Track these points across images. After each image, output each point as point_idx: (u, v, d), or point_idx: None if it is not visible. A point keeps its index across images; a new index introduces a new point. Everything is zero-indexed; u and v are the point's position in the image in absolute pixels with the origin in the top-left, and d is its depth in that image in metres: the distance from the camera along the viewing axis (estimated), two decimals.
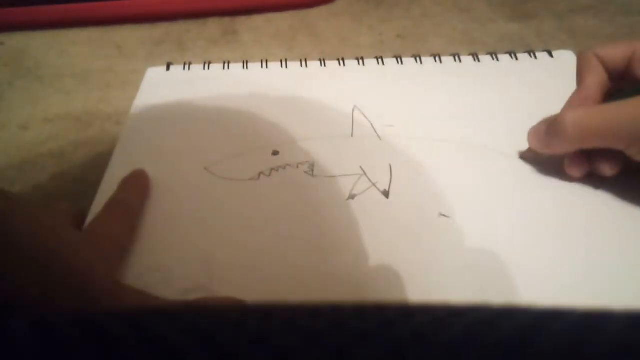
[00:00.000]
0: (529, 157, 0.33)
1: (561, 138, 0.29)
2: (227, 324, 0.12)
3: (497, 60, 0.42)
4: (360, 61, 0.43)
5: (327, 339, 0.11)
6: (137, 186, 0.32)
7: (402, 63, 0.43)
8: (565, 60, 0.41)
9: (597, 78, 0.30)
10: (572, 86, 0.32)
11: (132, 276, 0.27)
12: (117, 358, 0.10)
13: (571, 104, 0.31)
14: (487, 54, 0.43)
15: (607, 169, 0.29)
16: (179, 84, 0.41)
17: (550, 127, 0.30)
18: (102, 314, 0.12)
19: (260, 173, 0.33)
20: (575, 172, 0.30)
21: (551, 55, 0.42)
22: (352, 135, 0.36)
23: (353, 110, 0.38)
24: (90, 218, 0.30)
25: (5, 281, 0.20)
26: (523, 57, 0.42)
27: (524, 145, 0.33)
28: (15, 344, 0.10)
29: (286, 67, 0.43)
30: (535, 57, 0.42)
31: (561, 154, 0.30)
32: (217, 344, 0.11)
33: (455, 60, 0.42)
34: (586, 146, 0.29)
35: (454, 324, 0.11)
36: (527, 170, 0.32)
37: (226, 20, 0.52)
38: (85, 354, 0.10)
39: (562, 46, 0.44)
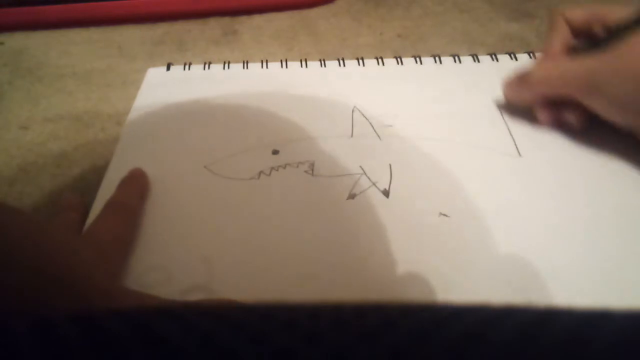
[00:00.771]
0: (506, 102, 0.37)
1: (528, 86, 0.34)
2: (227, 324, 0.12)
3: (497, 60, 0.42)
4: (360, 61, 0.43)
5: (328, 339, 0.11)
6: (136, 186, 0.32)
7: (402, 63, 0.43)
8: None
9: (562, 36, 0.35)
10: None
11: (133, 276, 0.27)
12: (117, 357, 0.10)
13: (539, 58, 0.36)
14: (487, 54, 0.43)
15: (572, 118, 0.33)
16: (179, 84, 0.41)
17: (520, 78, 0.35)
18: (102, 313, 0.12)
19: (261, 172, 0.33)
20: (544, 117, 0.35)
21: None
22: (352, 135, 0.36)
23: (353, 110, 0.38)
24: (90, 218, 0.30)
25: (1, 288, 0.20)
26: (523, 57, 0.42)
27: (524, 145, 0.33)
28: (15, 344, 0.10)
29: (286, 67, 0.43)
30: (535, 58, 0.42)
31: (530, 102, 0.35)
32: (217, 344, 0.11)
33: (455, 61, 0.42)
34: (549, 93, 0.33)
35: (454, 323, 0.11)
36: (527, 169, 0.32)
37: (226, 20, 0.52)
38: (85, 353, 0.10)
39: None
